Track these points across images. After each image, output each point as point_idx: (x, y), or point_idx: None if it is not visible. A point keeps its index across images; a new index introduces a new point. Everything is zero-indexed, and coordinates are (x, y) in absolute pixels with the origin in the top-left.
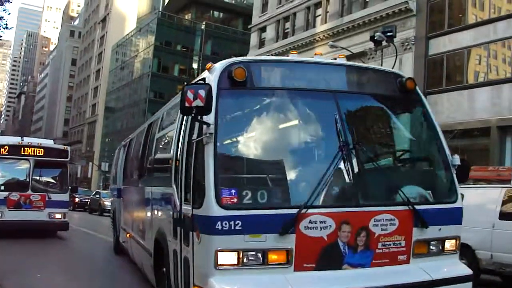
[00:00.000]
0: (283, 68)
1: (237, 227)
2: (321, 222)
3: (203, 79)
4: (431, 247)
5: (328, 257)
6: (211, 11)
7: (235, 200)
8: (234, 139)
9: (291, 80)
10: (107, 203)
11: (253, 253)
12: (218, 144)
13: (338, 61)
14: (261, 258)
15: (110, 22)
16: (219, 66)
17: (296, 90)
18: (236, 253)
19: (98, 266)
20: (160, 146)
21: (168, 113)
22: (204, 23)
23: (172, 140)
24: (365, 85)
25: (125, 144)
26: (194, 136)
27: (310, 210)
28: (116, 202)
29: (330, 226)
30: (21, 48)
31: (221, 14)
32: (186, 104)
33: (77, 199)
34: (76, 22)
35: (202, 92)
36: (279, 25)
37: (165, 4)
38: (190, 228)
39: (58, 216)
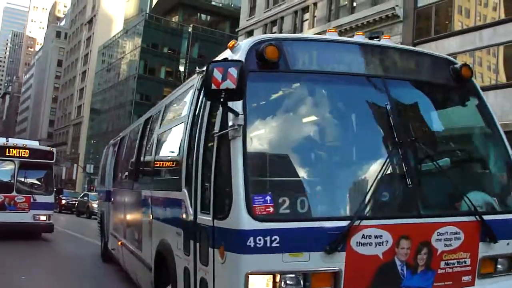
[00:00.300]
0: (323, 48)
1: (274, 244)
2: (376, 237)
3: (225, 59)
4: (498, 266)
5: (383, 279)
6: (199, 14)
7: (271, 209)
8: (267, 133)
9: (332, 62)
10: (95, 205)
11: (293, 276)
12: (248, 138)
13: (386, 42)
14: (302, 282)
15: (97, 23)
16: (246, 43)
17: (340, 74)
18: (272, 276)
19: (84, 268)
20: (163, 143)
21: (172, 105)
22: (191, 25)
23: (181, 135)
24: (417, 71)
25: (114, 143)
26: (216, 129)
27: (364, 222)
28: (105, 205)
29: (387, 241)
30: (6, 48)
31: (209, 17)
32: (213, 86)
33: (63, 201)
34: (63, 23)
35: (233, 71)
36: (266, 29)
37: (153, 6)
38: (210, 244)
39: (43, 218)
